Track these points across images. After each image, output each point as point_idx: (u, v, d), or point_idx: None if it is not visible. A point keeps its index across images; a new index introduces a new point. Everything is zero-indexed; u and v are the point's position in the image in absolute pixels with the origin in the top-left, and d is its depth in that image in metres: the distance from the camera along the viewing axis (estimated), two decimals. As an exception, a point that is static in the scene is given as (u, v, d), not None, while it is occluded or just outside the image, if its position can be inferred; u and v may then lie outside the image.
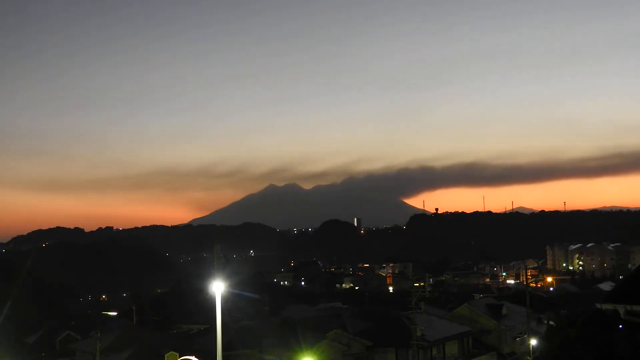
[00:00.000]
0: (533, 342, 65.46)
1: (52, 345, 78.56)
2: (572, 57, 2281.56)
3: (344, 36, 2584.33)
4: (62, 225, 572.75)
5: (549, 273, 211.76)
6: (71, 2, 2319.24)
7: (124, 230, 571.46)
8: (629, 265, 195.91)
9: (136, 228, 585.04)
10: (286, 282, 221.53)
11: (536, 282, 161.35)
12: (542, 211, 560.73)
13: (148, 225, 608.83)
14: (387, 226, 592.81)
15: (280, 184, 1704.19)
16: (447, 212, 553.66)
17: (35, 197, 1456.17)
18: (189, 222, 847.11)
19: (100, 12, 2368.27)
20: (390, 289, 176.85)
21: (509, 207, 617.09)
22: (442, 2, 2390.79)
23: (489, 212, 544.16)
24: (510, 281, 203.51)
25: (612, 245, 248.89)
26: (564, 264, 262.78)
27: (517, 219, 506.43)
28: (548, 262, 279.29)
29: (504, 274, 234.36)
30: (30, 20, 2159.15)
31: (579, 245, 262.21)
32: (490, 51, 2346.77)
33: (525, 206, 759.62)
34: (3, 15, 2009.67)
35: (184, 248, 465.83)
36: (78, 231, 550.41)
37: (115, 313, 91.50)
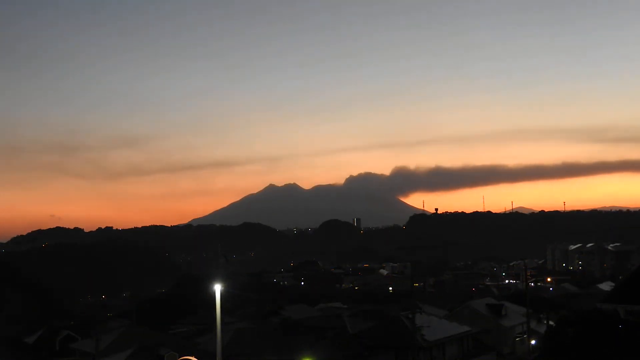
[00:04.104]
0: (533, 342, 65.50)
1: (52, 345, 78.53)
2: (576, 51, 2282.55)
3: (345, 38, 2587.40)
4: (62, 225, 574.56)
5: (549, 273, 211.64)
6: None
7: (123, 230, 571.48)
8: (629, 266, 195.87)
9: (136, 228, 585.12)
10: (286, 282, 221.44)
11: (536, 282, 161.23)
12: (542, 211, 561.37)
13: (148, 225, 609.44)
14: (387, 226, 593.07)
15: (280, 184, 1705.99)
16: (446, 212, 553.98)
17: (35, 197, 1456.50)
18: (189, 222, 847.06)
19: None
20: (390, 289, 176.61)
21: (509, 207, 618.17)
22: (450, 9, 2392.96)
23: (489, 212, 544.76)
24: (510, 281, 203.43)
25: (611, 245, 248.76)
26: (564, 264, 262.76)
27: (517, 219, 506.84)
28: (548, 262, 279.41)
29: (504, 274, 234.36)
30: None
31: (579, 245, 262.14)
32: (490, 55, 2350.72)
33: (525, 206, 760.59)
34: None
35: (183, 248, 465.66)
36: (78, 231, 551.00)
37: None
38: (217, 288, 31.97)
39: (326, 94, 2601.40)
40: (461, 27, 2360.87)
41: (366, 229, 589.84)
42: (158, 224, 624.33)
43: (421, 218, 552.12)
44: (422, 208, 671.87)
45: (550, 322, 63.49)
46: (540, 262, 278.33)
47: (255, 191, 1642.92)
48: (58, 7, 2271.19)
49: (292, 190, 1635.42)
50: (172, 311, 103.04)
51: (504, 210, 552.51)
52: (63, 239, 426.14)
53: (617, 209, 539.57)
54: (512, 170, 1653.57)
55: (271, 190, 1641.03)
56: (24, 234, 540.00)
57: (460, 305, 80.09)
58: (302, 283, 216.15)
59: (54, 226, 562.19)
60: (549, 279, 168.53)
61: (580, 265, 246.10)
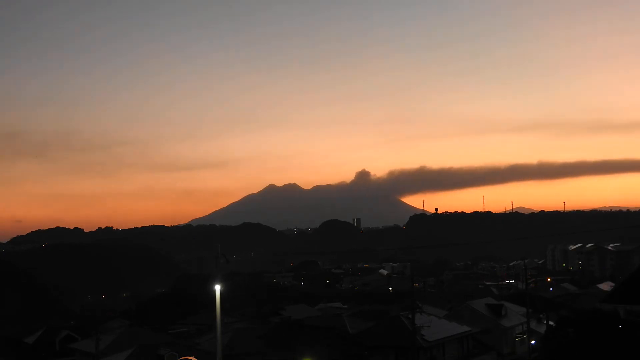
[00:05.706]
0: (533, 342, 65.47)
1: (52, 345, 78.58)
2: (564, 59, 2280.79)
3: (345, 39, 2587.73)
4: (62, 225, 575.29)
5: (549, 273, 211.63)
6: None
7: (123, 230, 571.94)
8: (629, 266, 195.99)
9: (136, 228, 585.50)
10: (286, 282, 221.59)
11: (536, 282, 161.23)
12: (542, 211, 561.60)
13: (148, 225, 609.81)
14: (387, 226, 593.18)
15: (280, 184, 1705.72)
16: (446, 212, 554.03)
17: (35, 197, 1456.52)
18: (189, 222, 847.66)
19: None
20: (390, 289, 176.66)
21: (509, 207, 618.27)
22: (449, 8, 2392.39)
23: (489, 212, 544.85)
24: (510, 281, 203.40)
25: (611, 245, 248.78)
26: (564, 264, 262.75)
27: (517, 219, 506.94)
28: (548, 262, 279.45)
29: (504, 274, 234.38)
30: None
31: (579, 245, 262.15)
32: (490, 54, 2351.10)
33: (525, 206, 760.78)
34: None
35: (183, 248, 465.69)
36: (78, 231, 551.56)
37: None
38: (217, 288, 31.97)
39: (326, 94, 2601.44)
40: (459, 27, 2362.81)
41: (366, 229, 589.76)
42: (158, 224, 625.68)
43: (421, 218, 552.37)
44: (422, 208, 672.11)
45: (550, 322, 63.50)
46: (540, 262, 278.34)
47: (255, 191, 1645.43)
48: None
49: (292, 190, 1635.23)
50: (172, 311, 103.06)
51: (504, 210, 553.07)
52: (63, 239, 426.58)
53: (617, 209, 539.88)
54: (511, 170, 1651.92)
55: (271, 190, 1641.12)
56: (24, 234, 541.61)
57: (460, 305, 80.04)
58: (302, 283, 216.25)
59: (54, 226, 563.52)
60: (548, 279, 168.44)
61: (580, 265, 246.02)
